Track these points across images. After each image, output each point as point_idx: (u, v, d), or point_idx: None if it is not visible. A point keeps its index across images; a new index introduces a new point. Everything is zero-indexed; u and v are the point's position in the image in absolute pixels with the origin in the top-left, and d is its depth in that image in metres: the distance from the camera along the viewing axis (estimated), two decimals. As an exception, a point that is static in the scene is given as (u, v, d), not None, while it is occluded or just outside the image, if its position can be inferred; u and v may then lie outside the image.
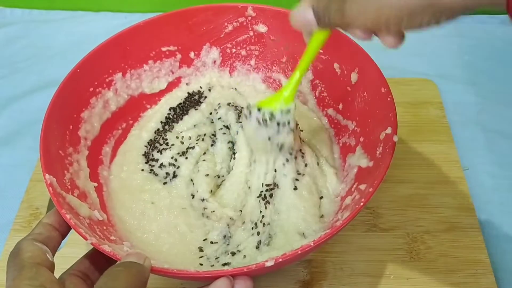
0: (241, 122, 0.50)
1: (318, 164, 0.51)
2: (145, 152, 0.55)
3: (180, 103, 0.59)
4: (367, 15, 0.34)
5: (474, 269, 0.51)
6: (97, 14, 0.86)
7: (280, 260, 0.36)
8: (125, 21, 0.82)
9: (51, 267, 0.35)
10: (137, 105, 0.58)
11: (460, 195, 0.57)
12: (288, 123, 0.45)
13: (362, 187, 0.44)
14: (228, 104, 0.58)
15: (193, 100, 0.60)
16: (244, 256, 0.45)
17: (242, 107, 0.57)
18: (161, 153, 0.54)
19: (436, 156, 0.60)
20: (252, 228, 0.47)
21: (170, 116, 0.58)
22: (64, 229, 0.39)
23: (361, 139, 0.49)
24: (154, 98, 0.59)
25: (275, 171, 0.48)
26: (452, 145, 0.62)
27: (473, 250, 0.52)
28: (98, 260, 0.40)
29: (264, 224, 0.47)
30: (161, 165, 0.53)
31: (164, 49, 0.57)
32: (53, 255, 0.37)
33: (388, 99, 0.45)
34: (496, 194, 0.59)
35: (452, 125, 0.64)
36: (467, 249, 0.52)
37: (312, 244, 0.37)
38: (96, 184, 0.50)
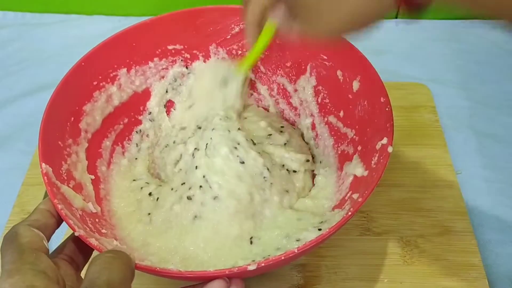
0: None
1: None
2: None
3: None
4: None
5: (467, 273, 0.51)
6: (91, 17, 0.86)
7: (263, 264, 0.36)
8: (119, 24, 0.82)
9: (48, 254, 0.35)
10: (140, 102, 0.57)
11: (453, 199, 0.57)
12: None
13: (355, 196, 0.44)
14: None
15: None
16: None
17: None
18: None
19: (429, 160, 0.61)
20: None
21: None
22: (59, 217, 0.39)
23: (359, 147, 0.49)
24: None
25: None
26: (445, 149, 0.62)
27: (466, 253, 0.52)
28: (82, 244, 0.39)
29: None
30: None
31: (170, 47, 0.57)
32: (48, 242, 0.37)
33: (387, 109, 0.45)
34: (488, 197, 0.59)
35: (445, 129, 0.64)
36: (460, 252, 0.52)
37: (296, 251, 0.36)
38: (93, 177, 0.50)
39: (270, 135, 0.54)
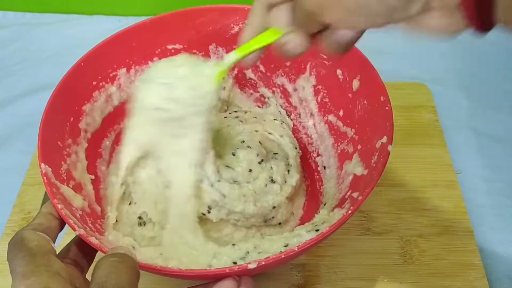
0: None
1: None
2: None
3: None
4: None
5: (467, 272, 0.51)
6: (90, 17, 0.86)
7: (263, 263, 0.36)
8: (118, 24, 0.82)
9: (56, 256, 0.35)
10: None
11: (453, 198, 0.57)
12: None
13: (355, 195, 0.44)
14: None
15: None
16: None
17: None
18: None
19: (429, 160, 0.61)
20: None
21: None
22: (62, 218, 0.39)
23: (359, 146, 0.49)
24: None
25: None
26: (445, 149, 0.62)
27: (466, 253, 0.52)
28: (85, 247, 0.39)
29: None
30: None
31: (169, 47, 0.57)
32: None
33: (387, 108, 0.45)
34: (488, 197, 0.59)
35: (445, 129, 0.64)
36: (460, 252, 0.53)
37: (296, 249, 0.36)
38: (93, 177, 0.50)
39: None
